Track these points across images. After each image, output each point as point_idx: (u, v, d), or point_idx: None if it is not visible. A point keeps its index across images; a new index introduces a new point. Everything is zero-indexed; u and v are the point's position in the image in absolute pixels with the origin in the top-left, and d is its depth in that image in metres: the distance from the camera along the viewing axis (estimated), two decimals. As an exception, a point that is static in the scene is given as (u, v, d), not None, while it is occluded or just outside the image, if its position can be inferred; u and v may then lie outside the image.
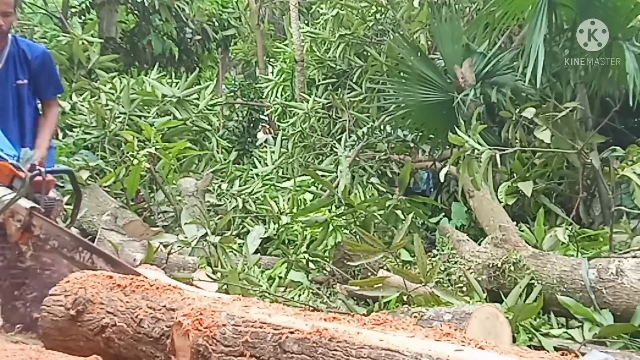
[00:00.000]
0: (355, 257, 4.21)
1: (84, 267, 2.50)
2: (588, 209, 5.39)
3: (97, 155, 5.99)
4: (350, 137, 7.21)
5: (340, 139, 7.32)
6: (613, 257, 3.78)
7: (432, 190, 6.97)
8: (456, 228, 4.98)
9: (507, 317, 3.01)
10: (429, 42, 7.16)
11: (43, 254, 3.19)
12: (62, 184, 3.23)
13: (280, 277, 4.44)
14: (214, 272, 3.99)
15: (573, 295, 3.55)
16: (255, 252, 4.96)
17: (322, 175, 6.06)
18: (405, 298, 3.55)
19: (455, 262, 4.11)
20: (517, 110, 5.12)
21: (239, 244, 4.91)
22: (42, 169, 2.88)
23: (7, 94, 3.45)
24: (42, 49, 3.70)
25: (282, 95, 9.41)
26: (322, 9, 8.90)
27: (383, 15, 8.01)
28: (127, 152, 5.71)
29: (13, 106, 3.47)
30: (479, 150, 4.49)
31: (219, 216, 5.44)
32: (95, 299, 2.15)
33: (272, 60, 11.40)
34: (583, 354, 1.60)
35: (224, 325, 1.78)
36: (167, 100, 6.89)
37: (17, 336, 3.32)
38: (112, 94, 6.69)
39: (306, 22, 10.03)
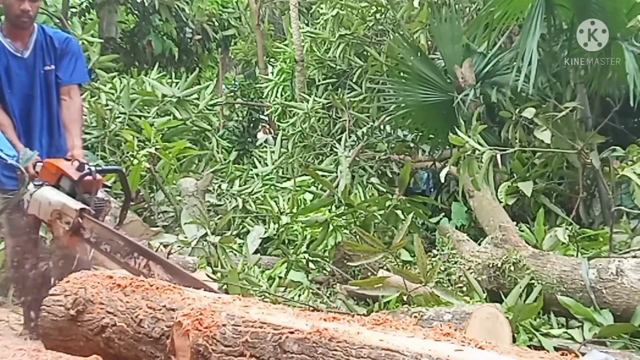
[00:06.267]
0: (355, 257, 4.21)
1: (139, 275, 2.33)
2: (588, 209, 5.39)
3: (97, 155, 5.97)
4: (350, 137, 7.20)
5: (340, 139, 7.31)
6: (613, 257, 3.78)
7: (432, 190, 6.96)
8: (456, 228, 4.98)
9: (507, 317, 3.01)
10: (429, 42, 7.15)
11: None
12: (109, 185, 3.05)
13: (280, 277, 4.43)
14: (214, 272, 4.00)
15: (573, 295, 3.55)
16: (255, 252, 4.96)
17: (322, 175, 6.05)
18: (405, 298, 3.55)
19: (455, 262, 4.10)
20: (517, 110, 5.11)
21: (239, 244, 4.91)
22: (92, 168, 2.72)
23: (34, 81, 3.38)
24: (70, 36, 3.63)
25: (282, 95, 9.39)
26: (322, 9, 8.88)
27: (383, 15, 8.00)
28: (127, 152, 5.72)
29: (41, 93, 3.39)
30: (479, 150, 4.48)
31: (219, 216, 5.45)
32: (95, 299, 2.15)
33: (272, 60, 11.39)
34: (583, 354, 1.60)
35: (224, 325, 1.78)
36: (167, 100, 6.89)
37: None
38: (112, 94, 6.69)
39: (306, 22, 10.02)
